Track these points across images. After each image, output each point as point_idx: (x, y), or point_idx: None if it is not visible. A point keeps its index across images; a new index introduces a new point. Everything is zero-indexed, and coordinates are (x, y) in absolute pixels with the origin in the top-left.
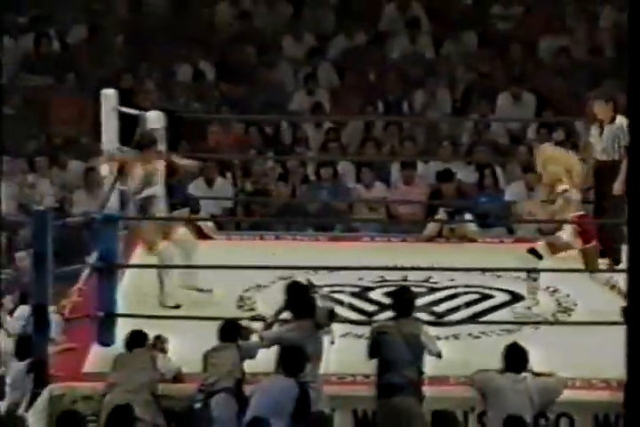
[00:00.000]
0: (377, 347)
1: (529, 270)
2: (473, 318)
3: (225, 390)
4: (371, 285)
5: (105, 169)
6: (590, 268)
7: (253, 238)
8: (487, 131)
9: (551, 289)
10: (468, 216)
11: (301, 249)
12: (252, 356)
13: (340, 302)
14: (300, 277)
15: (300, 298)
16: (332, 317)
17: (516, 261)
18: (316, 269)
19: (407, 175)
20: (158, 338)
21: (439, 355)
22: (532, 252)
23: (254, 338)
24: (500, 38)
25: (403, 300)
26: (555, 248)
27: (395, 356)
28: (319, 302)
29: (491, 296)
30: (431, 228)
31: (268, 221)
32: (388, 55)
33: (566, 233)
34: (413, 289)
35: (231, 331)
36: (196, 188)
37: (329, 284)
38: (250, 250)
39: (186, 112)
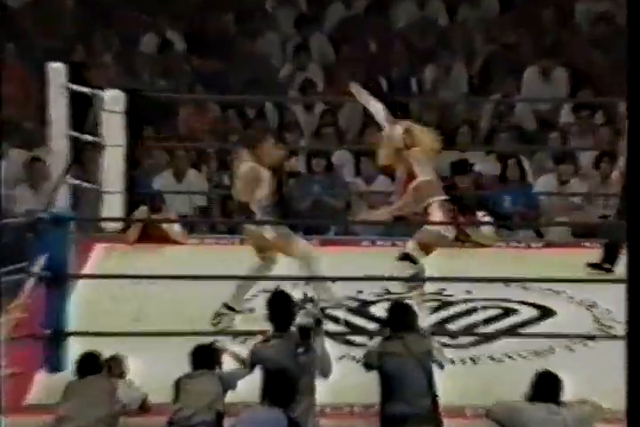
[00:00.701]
0: (379, 368)
1: (561, 281)
2: (493, 337)
3: (203, 425)
4: (372, 298)
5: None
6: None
7: (232, 242)
8: (511, 113)
9: (588, 303)
10: (485, 217)
11: None
12: (233, 386)
13: (335, 320)
14: (290, 288)
15: (281, 311)
16: (306, 335)
17: (545, 269)
18: (306, 279)
19: None
20: (113, 359)
21: (446, 363)
22: (406, 258)
23: (228, 361)
24: (526, 2)
25: (403, 313)
26: (427, 246)
27: (405, 380)
28: (299, 318)
29: (514, 311)
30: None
31: (249, 221)
32: (393, 24)
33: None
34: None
35: (207, 356)
36: (162, 182)
37: (322, 297)
38: (227, 257)
39: (151, 91)
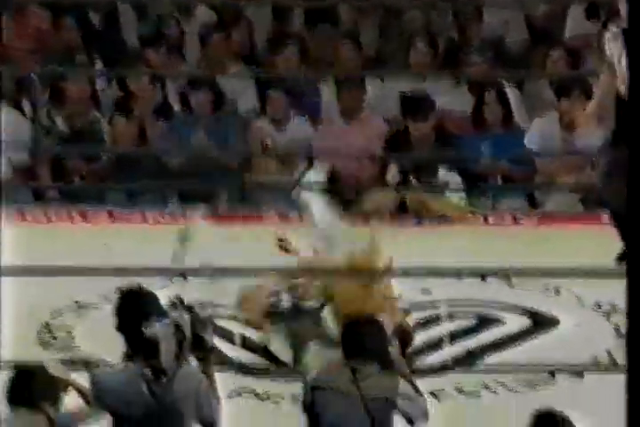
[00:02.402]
0: (313, 413)
1: (565, 274)
2: (462, 361)
3: None
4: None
5: None
6: None
7: (68, 217)
8: (484, 19)
9: (605, 307)
10: (451, 177)
11: (157, 236)
12: None
13: (229, 335)
14: (156, 286)
15: (132, 319)
16: (152, 353)
17: (540, 254)
18: (182, 274)
19: (348, 102)
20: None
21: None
22: None
23: (73, 399)
24: None
25: (363, 331)
26: None
27: None
28: (148, 328)
29: (495, 321)
30: (381, 196)
31: (94, 187)
32: None
33: None
34: None
35: (32, 387)
36: None
37: (208, 300)
38: (60, 238)
39: None
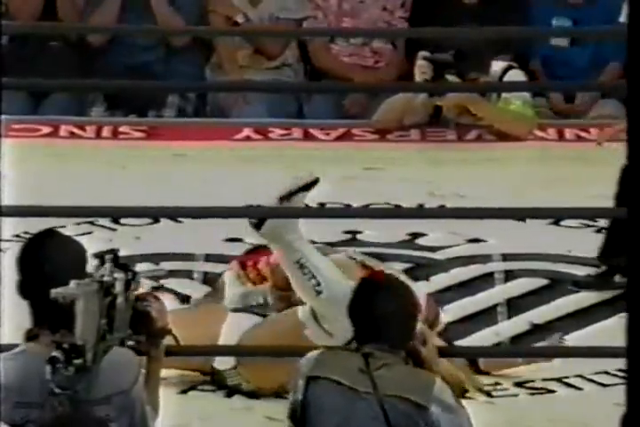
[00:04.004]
0: (302, 416)
1: None
2: (525, 342)
3: None
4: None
5: None
6: None
7: None
8: None
9: None
10: (512, 71)
11: (74, 156)
12: None
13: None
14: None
15: (35, 278)
16: (61, 319)
17: None
18: (119, 214)
19: None
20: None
21: None
22: None
23: None
24: None
25: (380, 305)
26: None
27: None
28: (59, 290)
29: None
30: (404, 100)
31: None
32: None
33: None
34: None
35: None
36: None
37: (151, 253)
38: None
39: None
